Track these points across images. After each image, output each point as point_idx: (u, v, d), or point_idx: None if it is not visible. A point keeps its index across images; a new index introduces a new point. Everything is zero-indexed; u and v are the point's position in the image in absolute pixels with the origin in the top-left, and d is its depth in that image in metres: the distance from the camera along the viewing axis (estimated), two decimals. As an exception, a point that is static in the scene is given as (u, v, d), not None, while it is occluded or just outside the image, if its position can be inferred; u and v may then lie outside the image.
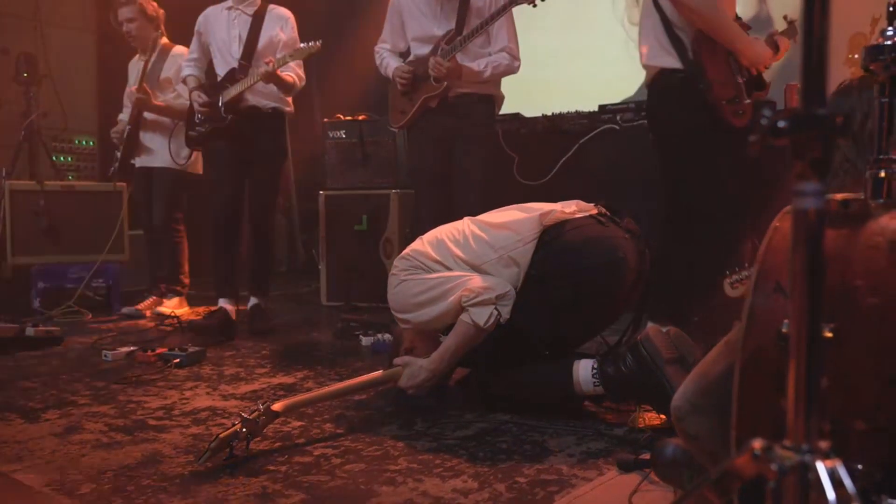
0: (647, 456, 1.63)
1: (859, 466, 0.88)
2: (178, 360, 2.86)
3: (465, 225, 2.36)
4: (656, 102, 2.69)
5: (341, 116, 4.71)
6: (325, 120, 4.85)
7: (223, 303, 3.65)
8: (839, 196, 1.01)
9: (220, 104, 3.57)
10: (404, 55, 3.53)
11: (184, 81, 3.88)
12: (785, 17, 2.94)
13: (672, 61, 2.55)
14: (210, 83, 3.72)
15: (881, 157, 1.10)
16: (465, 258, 2.25)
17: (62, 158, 5.21)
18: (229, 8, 3.67)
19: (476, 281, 2.16)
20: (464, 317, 2.15)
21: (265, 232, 3.73)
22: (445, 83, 3.20)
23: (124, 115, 4.31)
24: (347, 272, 4.46)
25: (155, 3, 4.22)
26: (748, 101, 2.50)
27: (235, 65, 3.58)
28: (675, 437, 1.38)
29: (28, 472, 1.74)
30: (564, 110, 4.26)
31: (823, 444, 0.70)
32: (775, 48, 2.69)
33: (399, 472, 1.72)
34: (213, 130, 3.63)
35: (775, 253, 1.01)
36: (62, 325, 3.62)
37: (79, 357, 3.09)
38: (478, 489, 1.61)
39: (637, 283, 2.26)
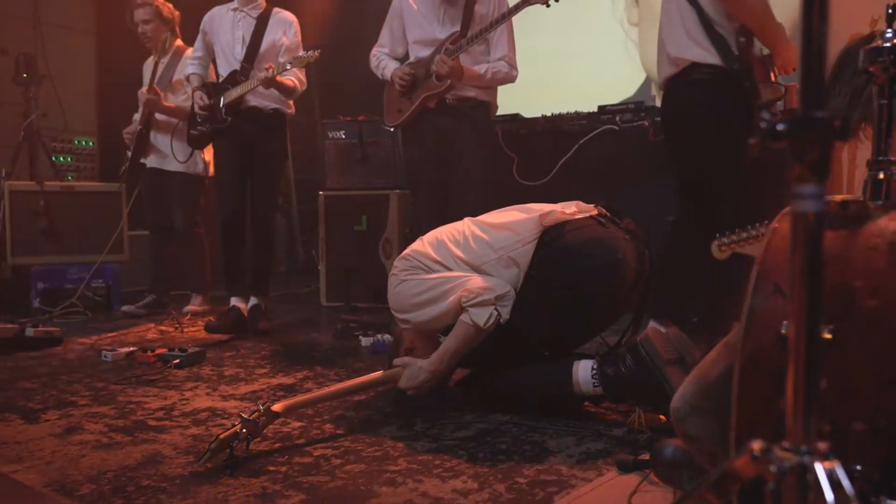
0: (646, 456, 1.63)
1: (858, 467, 0.89)
2: (177, 361, 2.86)
3: (466, 225, 2.36)
4: (683, 95, 2.56)
5: (341, 117, 4.71)
6: (325, 120, 4.85)
7: (235, 301, 3.69)
8: (838, 197, 1.01)
9: (220, 105, 3.59)
10: (401, 60, 3.54)
11: (187, 79, 3.91)
12: None
13: (707, 55, 2.44)
14: (212, 83, 3.74)
15: (880, 158, 1.11)
16: (466, 259, 2.25)
17: (62, 159, 5.22)
18: (234, 9, 3.69)
19: (476, 281, 2.16)
20: (463, 317, 2.15)
21: (266, 232, 3.75)
22: (448, 82, 3.21)
23: (138, 116, 4.34)
24: (347, 273, 4.46)
25: (170, 5, 4.27)
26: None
27: (237, 66, 3.60)
28: (675, 438, 1.38)
29: (28, 473, 1.74)
30: (564, 111, 4.26)
31: (822, 446, 0.70)
32: None
33: (399, 473, 1.72)
34: (213, 131, 3.65)
35: (774, 254, 1.01)
36: (62, 326, 3.62)
37: (78, 357, 3.09)
38: (477, 489, 1.61)
39: (637, 284, 2.26)
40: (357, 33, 4.92)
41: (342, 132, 4.61)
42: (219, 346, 3.32)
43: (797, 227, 0.71)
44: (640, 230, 2.31)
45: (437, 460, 1.80)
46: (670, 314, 2.53)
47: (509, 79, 3.39)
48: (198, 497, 1.59)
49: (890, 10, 1.09)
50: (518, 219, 2.28)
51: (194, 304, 4.28)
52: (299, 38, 3.72)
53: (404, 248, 2.42)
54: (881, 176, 1.10)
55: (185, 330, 3.75)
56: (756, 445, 0.73)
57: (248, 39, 3.62)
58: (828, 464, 0.69)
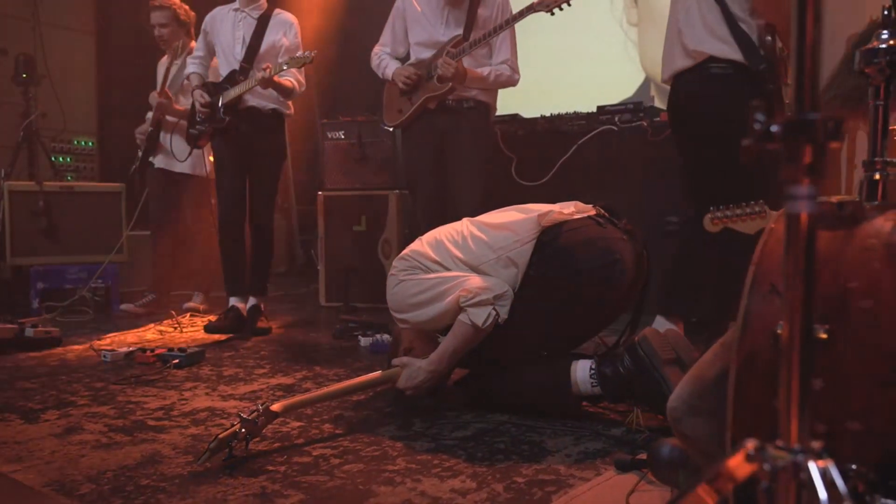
0: (644, 456, 1.64)
1: (853, 467, 0.89)
2: (176, 361, 2.87)
3: (464, 226, 2.37)
4: (696, 88, 2.53)
5: (340, 117, 4.72)
6: (324, 120, 4.86)
7: (234, 301, 3.70)
8: (834, 198, 1.01)
9: (219, 105, 3.60)
10: (401, 61, 3.55)
11: (188, 78, 3.93)
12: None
13: (727, 50, 2.42)
14: (212, 83, 3.75)
15: (876, 159, 1.11)
16: (464, 259, 2.26)
17: (61, 159, 5.22)
18: (236, 10, 3.71)
19: (474, 281, 2.17)
20: (462, 317, 2.15)
21: (265, 232, 3.75)
22: (450, 84, 3.22)
23: (151, 115, 4.36)
24: (346, 273, 4.47)
25: (186, 7, 4.30)
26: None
27: (237, 66, 3.61)
28: (672, 438, 1.39)
29: (28, 473, 1.75)
30: (563, 111, 4.27)
31: (816, 445, 0.71)
32: None
33: (397, 473, 1.72)
34: (211, 130, 3.67)
35: (770, 255, 1.01)
36: (61, 326, 3.62)
37: (78, 358, 3.10)
38: (476, 489, 1.62)
39: (634, 284, 2.26)
40: (357, 34, 4.93)
41: (341, 132, 4.61)
42: (218, 346, 3.32)
43: (791, 229, 0.72)
44: (638, 230, 2.31)
45: (436, 460, 1.80)
46: (680, 311, 2.51)
47: (511, 82, 3.42)
48: (197, 497, 1.59)
49: (885, 12, 1.09)
50: (516, 219, 2.28)
51: (195, 302, 4.30)
52: (299, 39, 3.73)
53: (403, 249, 2.43)
54: (877, 177, 1.11)
55: (185, 330, 3.76)
56: (750, 444, 0.73)
57: (248, 40, 3.63)
58: (821, 462, 0.70)
